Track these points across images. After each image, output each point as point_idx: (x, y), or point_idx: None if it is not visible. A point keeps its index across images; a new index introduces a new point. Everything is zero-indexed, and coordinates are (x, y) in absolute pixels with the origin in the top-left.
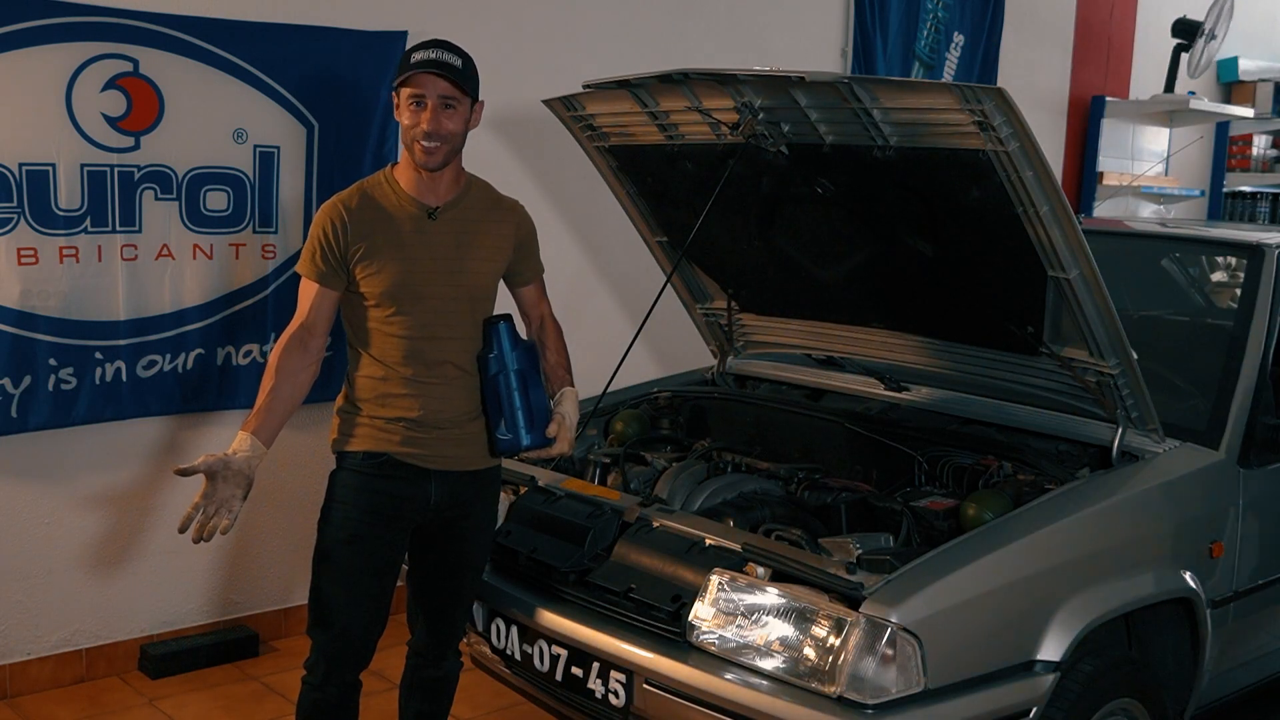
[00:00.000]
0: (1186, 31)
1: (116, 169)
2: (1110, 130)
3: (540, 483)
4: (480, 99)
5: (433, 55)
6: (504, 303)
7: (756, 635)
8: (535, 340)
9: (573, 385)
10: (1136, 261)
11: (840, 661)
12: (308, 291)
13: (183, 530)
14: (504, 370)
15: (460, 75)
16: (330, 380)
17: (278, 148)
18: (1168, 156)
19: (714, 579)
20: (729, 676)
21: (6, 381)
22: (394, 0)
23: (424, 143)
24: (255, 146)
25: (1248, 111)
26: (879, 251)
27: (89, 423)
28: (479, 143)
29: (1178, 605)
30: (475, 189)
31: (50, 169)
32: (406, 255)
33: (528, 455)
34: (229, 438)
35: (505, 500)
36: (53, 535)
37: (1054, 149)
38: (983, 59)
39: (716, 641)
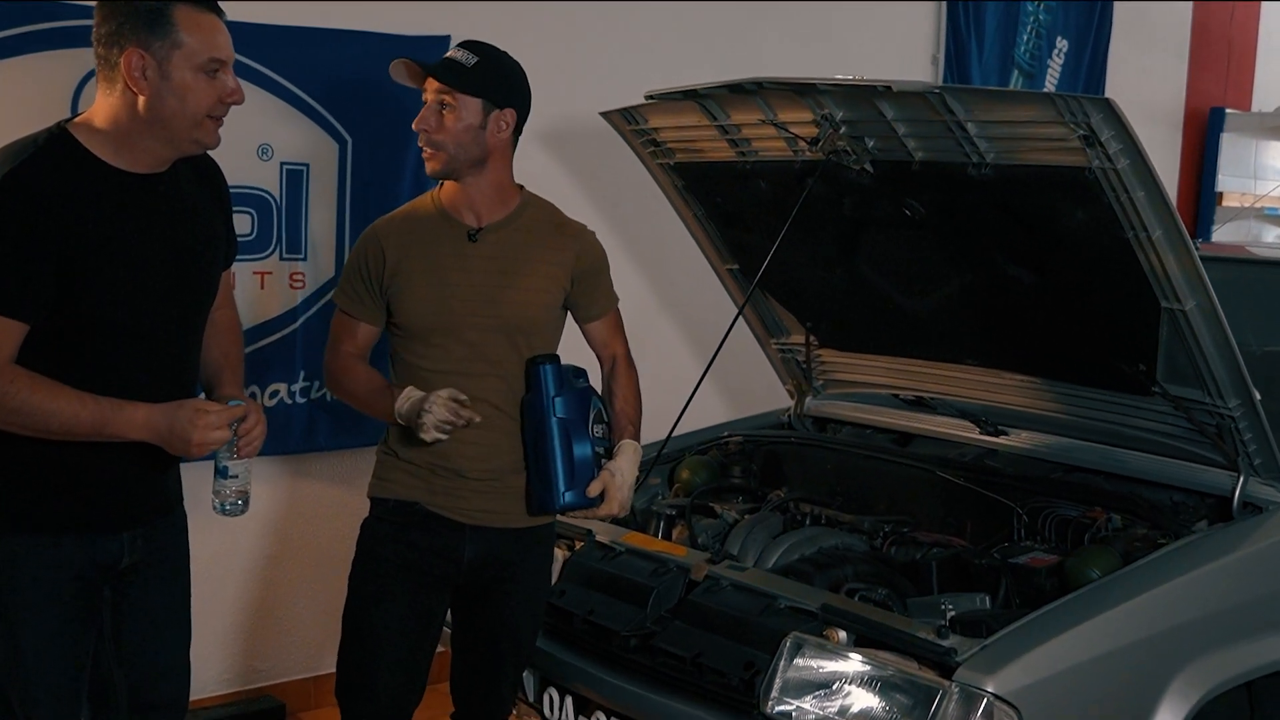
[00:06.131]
0: None
1: None
2: (1231, 146)
3: (598, 537)
4: (510, 106)
5: (446, 55)
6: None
7: (838, 706)
8: (604, 385)
9: (635, 439)
10: (1260, 291)
11: None
12: (346, 325)
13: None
14: (544, 417)
15: (458, 74)
16: (365, 421)
17: (306, 165)
18: None
19: (791, 644)
20: None
21: None
22: (437, 3)
23: (422, 147)
24: (282, 164)
25: None
26: (973, 280)
27: None
28: (528, 159)
29: None
30: (532, 210)
31: None
32: (441, 281)
33: (574, 515)
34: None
35: (559, 556)
36: None
37: (1168, 166)
38: (1089, 67)
39: (794, 713)
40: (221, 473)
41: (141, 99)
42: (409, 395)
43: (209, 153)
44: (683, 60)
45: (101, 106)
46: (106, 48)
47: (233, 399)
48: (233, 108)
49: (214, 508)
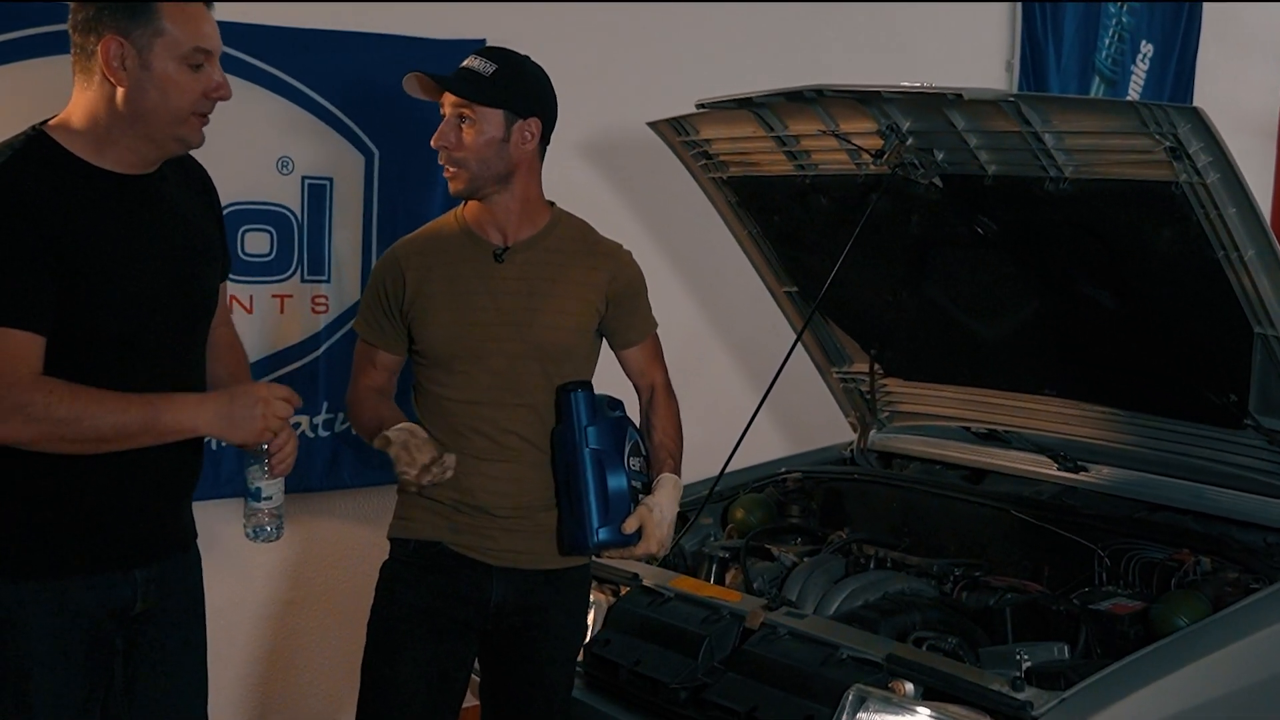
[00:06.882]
0: None
1: None
2: None
3: (645, 582)
4: (534, 115)
5: (462, 64)
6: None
7: None
8: (642, 416)
9: (676, 473)
10: None
11: None
12: (367, 355)
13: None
14: (576, 448)
15: (476, 85)
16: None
17: (330, 179)
18: None
19: (853, 697)
20: None
21: None
22: (471, 4)
23: (444, 165)
24: (303, 178)
25: None
26: (1050, 304)
27: None
28: (570, 172)
29: None
30: (563, 228)
31: None
32: (465, 304)
33: (610, 555)
34: None
35: (604, 602)
36: None
37: (1261, 180)
38: (1176, 73)
39: None
40: (254, 495)
41: (120, 91)
42: (401, 427)
43: (200, 160)
44: (737, 66)
45: (79, 102)
46: (83, 35)
47: None
48: (250, 117)
49: (247, 535)
